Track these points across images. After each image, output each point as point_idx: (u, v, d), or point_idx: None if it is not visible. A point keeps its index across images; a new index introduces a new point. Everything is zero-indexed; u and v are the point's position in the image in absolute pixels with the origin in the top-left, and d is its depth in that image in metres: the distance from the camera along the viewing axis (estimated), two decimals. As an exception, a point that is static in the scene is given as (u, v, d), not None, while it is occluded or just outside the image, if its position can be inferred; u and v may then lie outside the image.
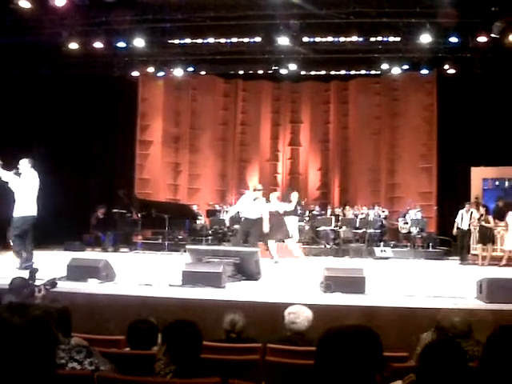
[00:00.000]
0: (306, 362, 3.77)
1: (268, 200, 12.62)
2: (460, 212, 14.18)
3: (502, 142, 15.99)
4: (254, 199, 12.07)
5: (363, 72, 18.82)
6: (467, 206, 14.17)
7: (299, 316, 4.67)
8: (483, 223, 13.71)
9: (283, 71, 17.46)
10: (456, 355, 2.73)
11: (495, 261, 13.43)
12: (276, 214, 12.52)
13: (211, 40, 15.61)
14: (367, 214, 17.15)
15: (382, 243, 16.27)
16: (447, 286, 8.44)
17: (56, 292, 6.22)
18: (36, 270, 5.81)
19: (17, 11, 12.19)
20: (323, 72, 18.91)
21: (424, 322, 6.09)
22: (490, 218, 13.78)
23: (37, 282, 5.57)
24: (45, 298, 5.12)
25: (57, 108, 17.03)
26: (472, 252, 14.24)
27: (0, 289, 5.63)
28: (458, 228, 14.11)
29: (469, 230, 14.05)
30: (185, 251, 11.62)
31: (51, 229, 16.15)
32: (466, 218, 14.00)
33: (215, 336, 4.76)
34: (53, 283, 5.66)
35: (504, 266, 12.98)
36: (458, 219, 14.14)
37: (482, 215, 13.77)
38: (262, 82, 20.39)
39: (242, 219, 12.37)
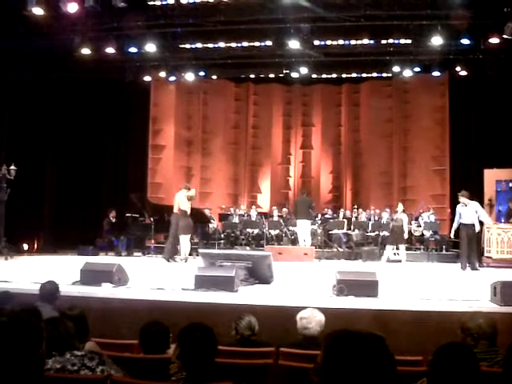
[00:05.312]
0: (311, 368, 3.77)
1: None
2: None
3: (515, 143, 15.89)
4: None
5: (375, 75, 18.77)
6: None
7: (311, 321, 4.66)
8: (395, 223, 13.79)
9: (294, 74, 17.48)
10: (467, 359, 2.72)
11: (506, 263, 13.34)
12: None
13: (222, 44, 15.66)
14: (380, 217, 17.08)
15: (394, 246, 16.17)
16: (461, 289, 8.39)
17: (70, 296, 6.28)
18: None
19: (30, 18, 12.31)
20: (334, 75, 18.89)
21: (438, 326, 6.08)
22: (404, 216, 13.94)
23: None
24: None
25: (69, 113, 17.17)
26: (486, 255, 14.13)
27: (13, 292, 5.67)
28: None
29: (480, 231, 13.95)
30: (197, 255, 11.65)
31: (65, 234, 16.34)
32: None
33: (228, 340, 4.76)
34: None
35: None
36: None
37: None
38: (274, 85, 20.41)
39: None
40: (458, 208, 12.42)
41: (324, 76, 18.91)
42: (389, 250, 14.33)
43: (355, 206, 18.41)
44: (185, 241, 13.24)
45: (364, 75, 18.97)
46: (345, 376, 1.75)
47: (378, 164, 19.62)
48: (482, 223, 14.11)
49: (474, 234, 12.35)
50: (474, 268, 12.18)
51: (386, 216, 17.00)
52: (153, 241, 16.38)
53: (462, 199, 12.39)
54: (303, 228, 15.33)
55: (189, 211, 13.29)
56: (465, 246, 12.33)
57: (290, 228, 16.76)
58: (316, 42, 15.20)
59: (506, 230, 13.81)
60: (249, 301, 6.83)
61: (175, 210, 13.60)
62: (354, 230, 16.58)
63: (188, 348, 3.14)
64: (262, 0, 13.03)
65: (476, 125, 17.21)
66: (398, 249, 14.61)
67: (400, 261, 14.66)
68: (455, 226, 12.57)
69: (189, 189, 13.60)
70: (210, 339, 3.20)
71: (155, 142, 19.11)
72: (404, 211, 14.46)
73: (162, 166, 19.19)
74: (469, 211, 12.22)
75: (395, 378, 1.77)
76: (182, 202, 13.40)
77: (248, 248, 16.28)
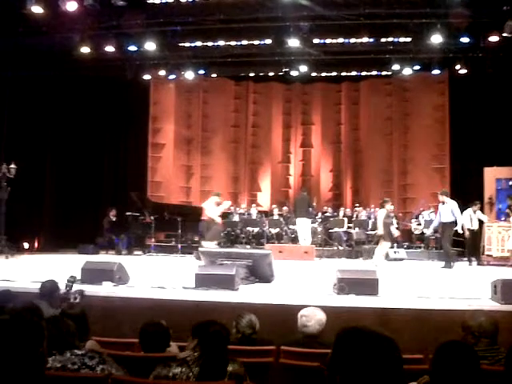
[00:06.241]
0: (319, 364, 3.78)
1: None
2: (467, 213, 14.09)
3: (515, 141, 15.88)
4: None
5: (374, 73, 18.78)
6: (475, 206, 14.13)
7: (311, 319, 4.66)
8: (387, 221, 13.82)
9: (294, 73, 17.48)
10: (469, 357, 2.72)
11: (506, 261, 13.35)
12: None
13: (222, 43, 15.65)
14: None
15: (395, 244, 16.17)
16: (462, 287, 8.40)
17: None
18: (75, 278, 5.86)
19: (29, 16, 12.30)
20: (334, 73, 18.90)
21: (438, 324, 6.08)
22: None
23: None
24: (79, 305, 5.20)
25: (69, 112, 17.15)
26: (486, 253, 14.14)
27: (13, 291, 5.68)
28: (468, 229, 14.01)
29: (480, 230, 13.99)
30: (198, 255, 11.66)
31: (65, 232, 16.34)
32: (475, 218, 13.96)
33: (230, 338, 4.76)
34: (82, 293, 5.72)
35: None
36: (465, 220, 14.05)
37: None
38: (273, 83, 20.41)
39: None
40: (439, 206, 12.63)
41: (324, 74, 18.93)
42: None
43: (357, 204, 18.43)
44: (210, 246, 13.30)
45: (364, 73, 18.99)
46: (352, 372, 1.75)
47: (378, 162, 19.63)
48: (482, 222, 14.16)
49: (452, 231, 12.50)
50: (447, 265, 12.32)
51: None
52: (153, 239, 16.39)
53: (440, 197, 12.55)
54: (303, 226, 15.33)
55: (218, 218, 13.36)
56: (446, 244, 12.51)
57: (291, 226, 16.78)
58: (316, 41, 15.19)
59: (506, 228, 13.83)
60: (249, 299, 6.84)
61: (203, 217, 13.92)
62: (354, 229, 16.59)
63: (208, 341, 3.35)
64: (261, -2, 13.04)
65: (476, 123, 17.18)
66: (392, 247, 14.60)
67: (402, 259, 14.69)
68: (435, 223, 12.96)
69: (218, 195, 13.80)
70: (226, 332, 3.56)
71: (155, 140, 19.10)
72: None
73: (161, 164, 19.19)
74: (446, 210, 12.36)
75: (401, 379, 1.78)
76: (208, 208, 13.52)
77: (248, 246, 16.29)
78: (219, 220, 13.44)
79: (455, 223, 12.34)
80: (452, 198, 17.57)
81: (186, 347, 3.79)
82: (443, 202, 12.49)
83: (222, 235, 13.96)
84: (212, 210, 13.43)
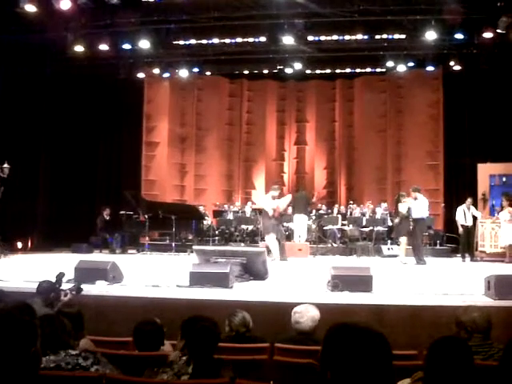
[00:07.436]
0: (313, 361, 3.78)
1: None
2: (461, 209, 14.14)
3: (509, 137, 15.91)
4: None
5: (368, 70, 18.76)
6: (468, 202, 14.19)
7: (303, 316, 4.66)
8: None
9: (288, 70, 17.46)
10: (463, 352, 2.73)
11: (499, 257, 13.39)
12: None
13: (216, 40, 15.64)
14: (374, 212, 17.11)
15: (389, 241, 16.20)
16: (455, 283, 8.42)
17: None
18: (63, 274, 5.85)
19: (23, 15, 12.24)
20: (328, 70, 18.87)
21: (432, 320, 6.09)
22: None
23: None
24: (71, 302, 5.20)
25: (63, 110, 17.09)
26: (480, 249, 14.17)
27: (6, 291, 5.66)
28: (462, 225, 14.07)
29: (473, 226, 14.04)
30: (192, 252, 11.64)
31: (59, 231, 16.28)
32: (468, 215, 14.00)
33: (223, 335, 4.76)
34: (78, 288, 5.71)
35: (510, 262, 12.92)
36: (459, 217, 14.11)
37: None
38: (268, 81, 20.39)
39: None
40: (412, 202, 12.85)
41: (318, 72, 18.93)
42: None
43: (351, 202, 18.44)
44: (269, 241, 13.10)
45: (358, 70, 18.95)
46: (342, 368, 1.75)
47: (373, 159, 19.62)
48: (475, 218, 14.21)
49: (423, 227, 13.05)
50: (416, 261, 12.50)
51: (380, 211, 17.05)
52: (147, 238, 16.35)
53: (412, 194, 12.81)
54: (300, 223, 15.33)
55: (271, 212, 13.14)
56: (416, 241, 12.64)
57: (285, 224, 16.76)
58: (310, 38, 15.18)
59: (499, 224, 13.86)
60: (244, 297, 6.84)
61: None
62: (348, 226, 16.60)
63: (194, 338, 3.28)
64: (255, -4, 13.03)
65: (470, 119, 17.23)
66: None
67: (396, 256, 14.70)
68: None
69: (275, 189, 13.64)
70: (215, 328, 3.46)
71: (149, 138, 19.06)
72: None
73: (155, 162, 19.15)
74: (417, 206, 12.56)
75: (391, 374, 1.77)
76: (263, 202, 13.53)
77: (242, 244, 16.30)
78: (271, 213, 13.23)
79: (425, 220, 12.74)
80: (446, 195, 17.80)
81: (175, 347, 3.77)
82: (415, 198, 12.60)
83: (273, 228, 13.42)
84: (267, 203, 13.28)
